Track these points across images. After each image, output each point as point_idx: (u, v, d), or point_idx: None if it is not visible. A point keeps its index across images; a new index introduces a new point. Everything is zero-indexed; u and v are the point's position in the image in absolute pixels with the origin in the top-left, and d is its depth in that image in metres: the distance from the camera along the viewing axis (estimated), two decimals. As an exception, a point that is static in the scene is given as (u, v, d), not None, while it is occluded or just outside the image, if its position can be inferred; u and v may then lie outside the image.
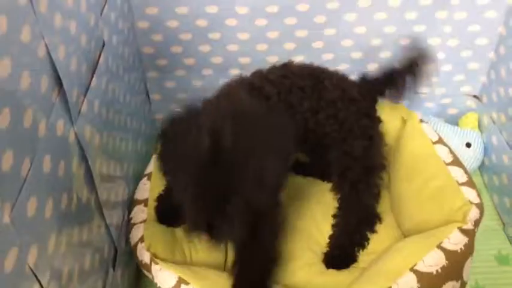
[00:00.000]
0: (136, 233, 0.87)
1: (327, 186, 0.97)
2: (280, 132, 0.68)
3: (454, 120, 1.24)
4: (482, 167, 1.19)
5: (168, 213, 0.90)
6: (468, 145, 1.16)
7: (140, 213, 0.89)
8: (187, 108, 0.71)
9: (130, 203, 0.95)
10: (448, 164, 0.89)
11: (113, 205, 0.83)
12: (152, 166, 0.99)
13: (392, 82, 0.94)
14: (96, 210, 0.76)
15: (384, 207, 1.00)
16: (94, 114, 0.77)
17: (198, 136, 0.62)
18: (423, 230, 0.85)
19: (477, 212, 0.79)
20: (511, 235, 1.04)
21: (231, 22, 1.08)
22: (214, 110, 0.69)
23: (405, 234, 0.94)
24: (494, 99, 1.13)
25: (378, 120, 0.93)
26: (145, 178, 0.97)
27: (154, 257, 0.81)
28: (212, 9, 1.06)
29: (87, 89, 0.75)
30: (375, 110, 0.94)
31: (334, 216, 0.95)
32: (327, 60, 1.17)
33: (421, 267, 0.72)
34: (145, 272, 0.84)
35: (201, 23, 1.08)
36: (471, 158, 1.15)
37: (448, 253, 0.73)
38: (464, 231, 0.77)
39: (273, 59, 1.14)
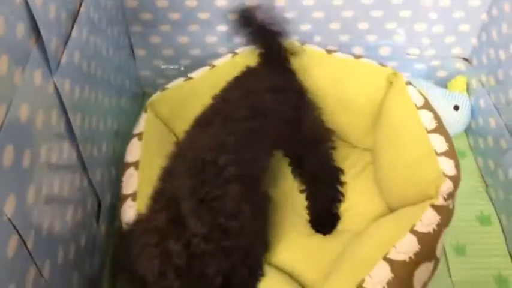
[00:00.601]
0: (128, 213, 0.80)
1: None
2: None
3: (443, 83, 1.23)
4: (468, 130, 1.19)
5: None
6: (456, 108, 1.15)
7: (131, 180, 0.85)
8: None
9: (118, 158, 0.92)
10: (430, 132, 0.85)
11: (96, 161, 0.82)
12: (142, 126, 0.96)
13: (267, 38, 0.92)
14: (79, 165, 0.75)
15: (369, 176, 1.01)
16: (74, 67, 0.75)
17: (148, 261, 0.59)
18: (401, 203, 0.84)
19: (450, 185, 0.76)
20: (493, 196, 1.06)
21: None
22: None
23: (390, 207, 0.93)
24: (484, 62, 1.12)
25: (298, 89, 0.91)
26: (136, 138, 0.93)
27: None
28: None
29: (67, 40, 0.72)
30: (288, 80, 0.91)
31: (301, 191, 0.96)
32: (343, 41, 1.17)
33: (394, 255, 0.69)
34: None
35: (188, -25, 1.04)
36: (458, 120, 1.15)
37: (421, 236, 0.71)
38: (437, 209, 0.74)
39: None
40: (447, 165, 0.79)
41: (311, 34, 1.16)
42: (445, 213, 0.74)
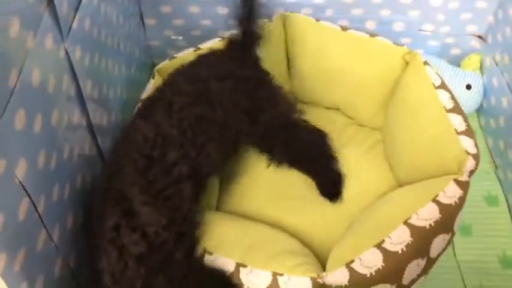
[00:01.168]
0: None
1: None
2: None
3: (456, 61, 1.21)
4: (479, 109, 1.18)
5: None
6: (468, 87, 1.14)
7: None
8: None
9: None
10: (448, 111, 0.86)
11: (105, 128, 0.82)
12: (150, 91, 0.96)
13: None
14: (88, 132, 0.75)
15: (378, 155, 1.00)
16: (85, 33, 0.74)
17: None
18: (418, 178, 0.84)
19: (473, 163, 0.77)
20: (501, 177, 1.05)
21: None
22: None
23: (400, 183, 0.93)
24: (499, 40, 1.10)
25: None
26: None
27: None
28: None
29: (78, 5, 0.71)
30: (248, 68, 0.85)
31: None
32: (355, 15, 1.14)
33: (415, 220, 0.70)
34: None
35: None
36: (470, 100, 1.14)
37: (442, 207, 0.72)
38: (459, 183, 0.75)
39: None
40: (468, 144, 0.79)
41: (323, 7, 1.14)
42: (466, 190, 0.75)
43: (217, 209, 0.92)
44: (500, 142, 1.06)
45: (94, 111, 0.75)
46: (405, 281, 0.68)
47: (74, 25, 0.69)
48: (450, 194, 0.73)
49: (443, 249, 0.73)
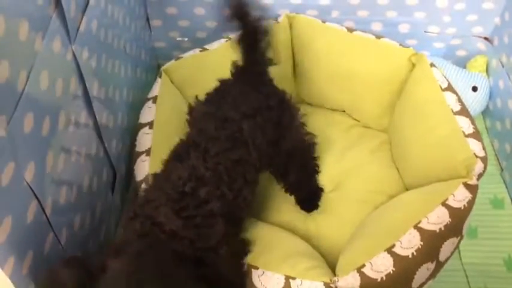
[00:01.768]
0: (141, 169, 0.83)
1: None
2: None
3: (462, 63, 1.21)
4: (485, 112, 1.17)
5: None
6: (474, 89, 1.13)
7: (144, 139, 0.87)
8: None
9: (133, 130, 0.93)
10: (455, 113, 0.86)
11: (112, 131, 0.82)
12: (157, 90, 0.97)
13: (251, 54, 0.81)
14: (95, 134, 0.75)
15: (384, 156, 1.00)
16: (92, 35, 0.74)
17: None
18: (426, 180, 0.84)
19: (481, 166, 0.78)
20: (507, 180, 1.05)
21: None
22: None
23: (407, 185, 0.93)
24: (505, 42, 1.10)
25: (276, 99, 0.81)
26: (150, 101, 0.94)
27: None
28: None
29: (85, 8, 0.71)
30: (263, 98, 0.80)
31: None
32: (361, 17, 1.14)
33: (425, 224, 0.71)
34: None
35: None
36: (476, 102, 1.14)
37: (452, 210, 0.72)
38: (468, 187, 0.75)
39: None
40: (476, 147, 0.80)
41: (329, 9, 1.14)
42: (475, 193, 0.75)
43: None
44: (506, 144, 1.06)
45: (101, 113, 0.76)
46: (415, 284, 0.68)
47: (82, 27, 0.69)
48: (459, 197, 0.73)
49: (452, 253, 0.72)
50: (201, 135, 0.72)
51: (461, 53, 1.22)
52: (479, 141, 0.81)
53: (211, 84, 0.82)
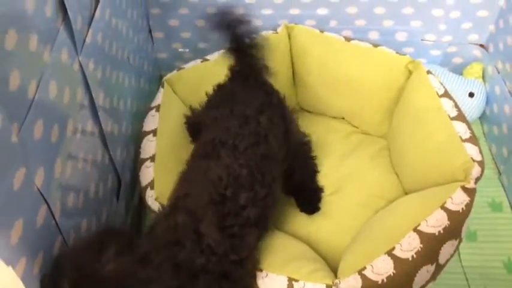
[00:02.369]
0: (146, 175, 0.85)
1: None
2: None
3: (458, 70, 1.23)
4: (482, 117, 1.19)
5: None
6: (471, 95, 1.15)
7: (148, 146, 0.89)
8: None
9: (136, 138, 0.95)
10: (452, 119, 0.88)
11: (116, 139, 0.84)
12: (160, 99, 0.99)
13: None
14: (101, 142, 0.77)
15: (384, 162, 1.02)
16: (98, 47, 0.77)
17: None
18: (424, 185, 0.86)
19: (479, 170, 0.79)
20: (505, 184, 1.06)
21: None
22: None
23: (406, 190, 0.94)
24: (500, 49, 1.12)
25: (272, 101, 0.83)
26: (154, 110, 0.97)
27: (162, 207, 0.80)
28: None
29: (91, 20, 0.74)
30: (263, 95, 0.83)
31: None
32: (359, 26, 1.17)
33: (424, 227, 0.72)
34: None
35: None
36: (473, 108, 1.16)
37: (450, 213, 0.73)
38: (466, 190, 0.77)
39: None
40: (473, 151, 0.81)
41: (327, 19, 1.17)
42: (473, 197, 0.77)
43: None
44: (504, 149, 1.07)
45: (106, 122, 0.78)
46: (415, 286, 0.69)
47: (88, 39, 0.71)
48: (457, 200, 0.75)
49: (451, 256, 0.74)
50: (226, 133, 0.74)
51: (457, 60, 1.24)
52: (476, 145, 0.83)
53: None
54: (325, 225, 0.90)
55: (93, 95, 0.73)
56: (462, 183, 0.77)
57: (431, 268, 0.71)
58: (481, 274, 0.94)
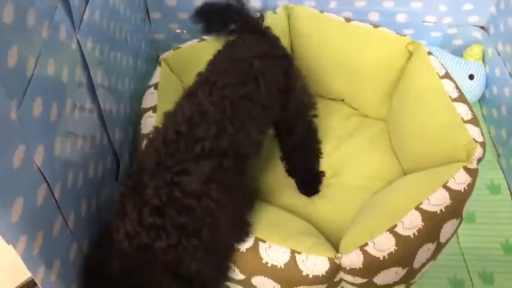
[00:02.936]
0: None
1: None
2: None
3: (458, 52, 1.23)
4: (482, 99, 1.19)
5: None
6: (471, 77, 1.15)
7: (149, 122, 0.89)
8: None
9: (135, 119, 0.94)
10: (453, 100, 0.88)
11: (115, 119, 0.83)
12: (157, 77, 0.98)
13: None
14: (99, 122, 0.76)
15: (383, 144, 1.01)
16: (95, 25, 0.76)
17: None
18: (426, 166, 0.86)
19: (481, 151, 0.80)
20: (504, 166, 1.07)
21: None
22: None
23: (406, 172, 0.95)
24: (501, 30, 1.11)
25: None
26: (152, 88, 0.97)
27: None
28: None
29: (88, -4, 0.73)
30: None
31: (282, 158, 0.95)
32: (358, 7, 1.16)
33: (426, 206, 0.72)
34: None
35: None
36: (473, 90, 1.15)
37: (452, 193, 0.74)
38: (468, 171, 0.77)
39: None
40: (475, 132, 0.81)
41: (327, -1, 1.15)
42: (474, 177, 0.77)
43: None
44: (503, 131, 1.07)
45: (104, 101, 0.77)
46: (416, 264, 0.70)
47: (85, 17, 0.70)
48: (460, 180, 0.75)
49: (452, 235, 0.74)
50: (212, 72, 0.74)
51: (457, 42, 1.23)
52: (477, 126, 0.83)
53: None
54: (325, 207, 0.91)
55: (91, 73, 0.71)
56: (464, 164, 0.77)
57: (432, 246, 0.71)
58: (479, 255, 0.95)
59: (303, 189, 0.93)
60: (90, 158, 0.71)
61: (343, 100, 1.12)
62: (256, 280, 0.71)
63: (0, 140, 0.46)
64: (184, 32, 1.23)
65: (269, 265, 0.69)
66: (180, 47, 1.06)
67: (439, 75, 0.92)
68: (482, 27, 1.20)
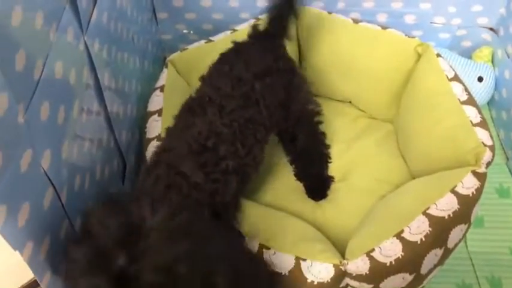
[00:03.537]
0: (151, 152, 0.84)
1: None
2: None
3: (467, 54, 1.21)
4: (491, 102, 1.18)
5: None
6: (480, 79, 1.14)
7: (154, 126, 0.89)
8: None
9: (141, 121, 0.94)
10: (462, 103, 0.87)
11: (122, 121, 0.83)
12: (164, 79, 0.98)
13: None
14: (106, 124, 0.76)
15: (391, 146, 1.00)
16: (103, 27, 0.75)
17: None
18: (434, 170, 0.85)
19: (490, 154, 0.78)
20: (513, 169, 1.06)
21: None
22: None
23: (414, 175, 0.94)
24: (511, 32, 1.10)
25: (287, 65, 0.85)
26: (158, 90, 0.96)
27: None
28: None
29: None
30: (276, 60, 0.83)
31: (290, 162, 0.94)
32: (366, 8, 1.15)
33: (434, 211, 0.71)
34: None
35: None
36: (482, 92, 1.14)
37: (460, 198, 0.73)
38: (477, 175, 0.76)
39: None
40: (484, 136, 0.80)
41: (335, 0, 1.14)
42: (483, 181, 0.76)
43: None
44: (512, 134, 1.06)
45: (111, 103, 0.77)
46: (423, 270, 0.69)
47: (93, 19, 0.70)
48: (468, 185, 0.74)
49: (460, 240, 0.73)
50: (216, 92, 0.75)
51: (466, 43, 1.22)
52: (486, 130, 0.82)
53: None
54: (332, 211, 0.90)
55: (99, 75, 0.71)
56: (473, 168, 0.77)
57: (439, 252, 0.70)
58: (488, 260, 0.94)
59: (311, 194, 0.92)
60: (96, 160, 0.71)
61: (350, 102, 1.11)
62: (261, 286, 0.70)
63: (7, 145, 0.45)
64: (191, 32, 1.23)
65: (273, 272, 0.68)
66: (187, 48, 1.05)
67: (447, 77, 0.91)
68: (491, 29, 1.18)
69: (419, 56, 0.98)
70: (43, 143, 0.53)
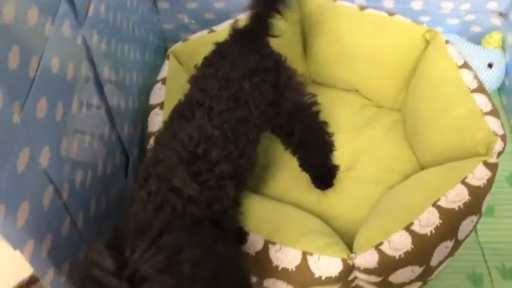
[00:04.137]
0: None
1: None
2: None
3: (476, 39, 1.19)
4: (501, 88, 1.15)
5: None
6: (490, 65, 1.11)
7: (156, 119, 0.88)
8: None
9: (143, 113, 0.93)
10: (472, 91, 0.84)
11: (123, 114, 0.82)
12: (166, 72, 0.96)
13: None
14: (107, 118, 0.75)
15: (398, 136, 0.98)
16: (101, 19, 0.74)
17: None
18: (443, 160, 0.83)
19: (501, 144, 0.76)
20: (524, 157, 1.03)
21: None
22: None
23: (422, 164, 0.92)
24: (522, 16, 1.07)
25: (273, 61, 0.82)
26: (160, 83, 0.95)
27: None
28: None
29: (93, -10, 0.70)
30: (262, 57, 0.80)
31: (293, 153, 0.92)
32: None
33: (444, 203, 0.70)
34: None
35: None
36: (492, 78, 1.12)
37: (471, 189, 0.71)
38: (488, 165, 0.74)
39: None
40: (495, 125, 0.78)
41: (340, -14, 1.12)
42: (494, 171, 0.74)
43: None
44: (523, 121, 1.04)
45: (112, 96, 0.75)
46: (433, 262, 0.68)
47: (90, 11, 0.68)
48: (479, 176, 0.72)
49: (471, 231, 0.72)
50: (204, 95, 0.73)
51: (475, 29, 1.19)
52: (497, 118, 0.80)
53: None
54: (339, 201, 0.89)
55: (98, 69, 0.70)
56: (484, 158, 0.75)
57: (450, 244, 0.69)
58: (498, 249, 0.93)
59: (317, 184, 0.91)
60: (98, 155, 0.70)
61: (357, 91, 1.09)
62: (268, 282, 0.69)
63: (3, 145, 0.44)
64: (193, 22, 1.21)
65: (280, 268, 0.67)
66: (189, 39, 1.03)
67: (457, 64, 0.88)
68: (501, 14, 1.15)
69: (427, 43, 0.95)
70: (41, 140, 0.52)
